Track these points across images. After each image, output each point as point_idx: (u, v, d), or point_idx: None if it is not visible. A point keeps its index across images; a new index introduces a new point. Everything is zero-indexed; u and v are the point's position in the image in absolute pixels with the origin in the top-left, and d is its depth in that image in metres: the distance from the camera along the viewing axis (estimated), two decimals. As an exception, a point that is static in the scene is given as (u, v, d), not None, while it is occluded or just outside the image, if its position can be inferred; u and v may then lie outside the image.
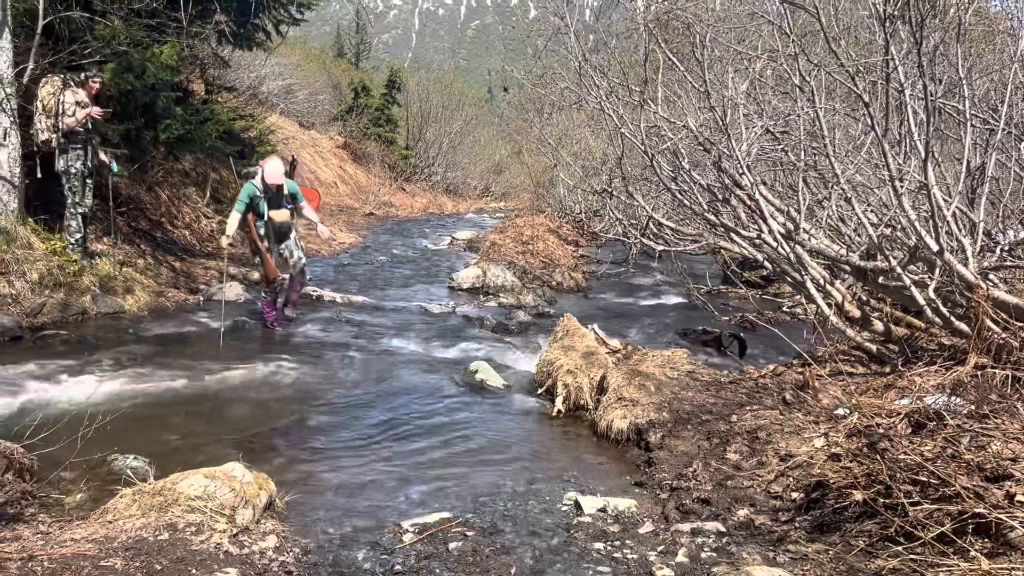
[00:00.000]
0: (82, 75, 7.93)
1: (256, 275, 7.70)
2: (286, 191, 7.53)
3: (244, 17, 11.31)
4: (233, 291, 9.13)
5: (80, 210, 8.04)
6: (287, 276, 7.84)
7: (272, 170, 7.34)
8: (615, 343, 6.54)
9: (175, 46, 9.35)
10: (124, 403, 5.30)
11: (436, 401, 5.98)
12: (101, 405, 5.08)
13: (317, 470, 4.46)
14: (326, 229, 7.90)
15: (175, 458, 4.37)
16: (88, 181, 8.08)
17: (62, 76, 7.82)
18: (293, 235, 7.77)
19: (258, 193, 7.34)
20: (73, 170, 7.89)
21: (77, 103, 7.76)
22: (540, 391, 6.07)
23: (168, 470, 3.70)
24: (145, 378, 5.91)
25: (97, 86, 8.05)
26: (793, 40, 5.46)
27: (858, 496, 3.01)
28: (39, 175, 7.97)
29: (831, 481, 3.35)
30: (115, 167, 8.41)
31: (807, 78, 5.63)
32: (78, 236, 8.06)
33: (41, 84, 7.75)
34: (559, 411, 5.67)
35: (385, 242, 17.01)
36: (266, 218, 7.42)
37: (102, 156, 8.22)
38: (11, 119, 7.70)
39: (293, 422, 5.32)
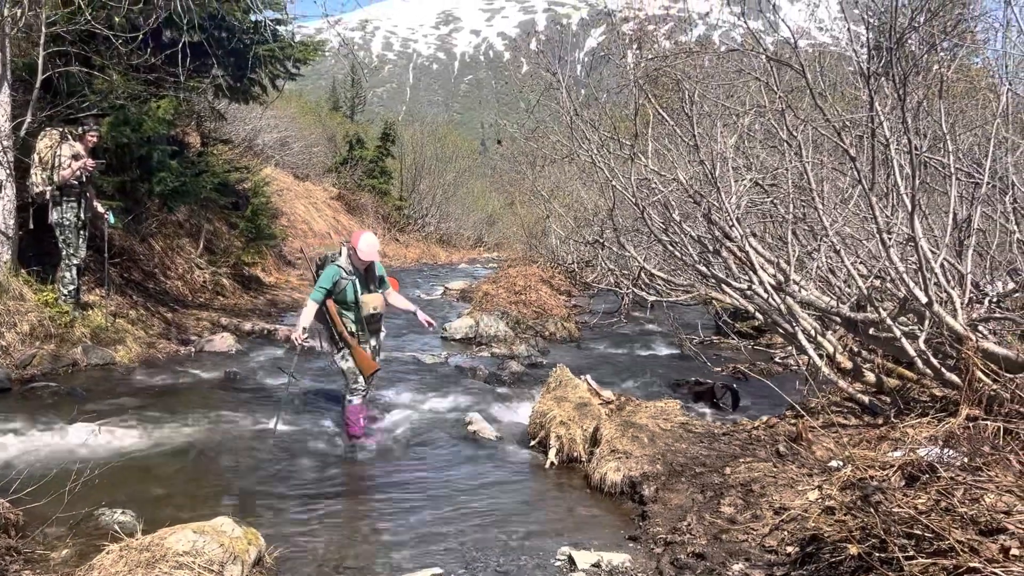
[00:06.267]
0: (80, 128, 8.02)
1: (345, 365, 6.06)
2: (376, 272, 6.18)
3: (241, 72, 11.49)
4: (224, 343, 9.11)
5: (74, 261, 8.05)
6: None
7: (368, 245, 5.89)
8: (608, 394, 6.52)
9: (172, 100, 9.48)
10: (113, 456, 5.25)
11: (428, 453, 5.93)
12: (89, 458, 5.02)
13: (307, 524, 4.41)
14: (427, 316, 6.35)
15: (164, 512, 4.32)
16: (82, 232, 8.10)
17: (60, 129, 7.90)
18: (383, 333, 6.43)
19: (345, 276, 5.93)
20: (67, 222, 7.93)
21: (73, 156, 7.83)
22: (533, 442, 6.04)
23: (156, 524, 3.65)
24: (134, 430, 5.85)
25: (94, 139, 8.14)
26: (780, 96, 5.58)
27: (853, 550, 2.99)
28: (32, 226, 8.00)
29: (826, 535, 3.32)
30: (112, 219, 8.45)
31: (794, 133, 5.74)
32: (72, 288, 8.06)
33: (39, 137, 7.83)
34: (552, 463, 5.63)
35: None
36: (359, 304, 5.98)
37: (98, 208, 8.27)
38: (7, 171, 7.76)
39: (283, 475, 5.27)
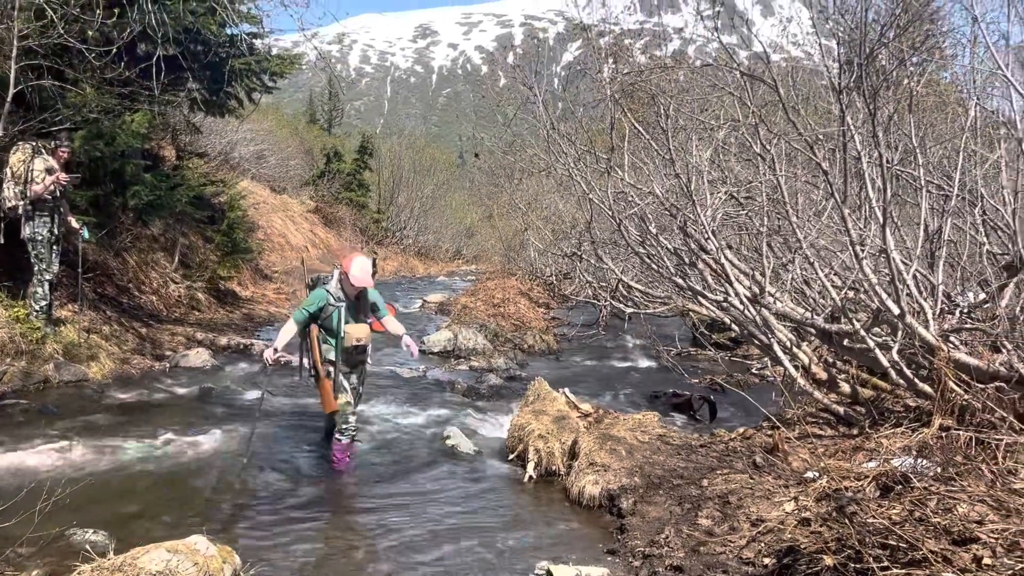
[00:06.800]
0: (52, 143, 7.93)
1: (339, 402, 5.63)
2: (369, 299, 5.77)
3: (217, 85, 11.43)
4: (200, 358, 9.02)
5: (47, 277, 7.93)
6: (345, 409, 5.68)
7: (360, 269, 5.52)
8: (586, 407, 6.53)
9: (147, 114, 9.41)
10: (85, 474, 5.16)
11: (407, 468, 5.90)
12: (61, 477, 4.94)
13: (283, 541, 4.36)
14: (413, 343, 5.99)
15: (137, 531, 4.27)
16: (55, 248, 8.00)
17: (33, 143, 7.81)
18: (367, 364, 6.00)
19: (332, 302, 5.55)
20: (39, 237, 7.82)
21: (46, 170, 7.74)
22: (512, 456, 6.02)
23: (129, 544, 3.60)
24: (107, 448, 5.77)
25: (66, 155, 8.05)
26: (753, 111, 5.64)
27: (829, 561, 3.01)
28: (3, 241, 7.88)
29: (802, 546, 3.34)
30: (86, 234, 8.35)
31: (768, 147, 5.81)
32: (44, 303, 7.94)
33: (12, 151, 7.73)
34: (531, 477, 5.62)
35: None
36: (342, 334, 5.55)
37: (72, 223, 8.17)
38: (-21, 185, 7.65)
39: (259, 492, 5.21)
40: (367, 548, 4.32)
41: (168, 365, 8.85)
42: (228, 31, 11.05)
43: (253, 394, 7.81)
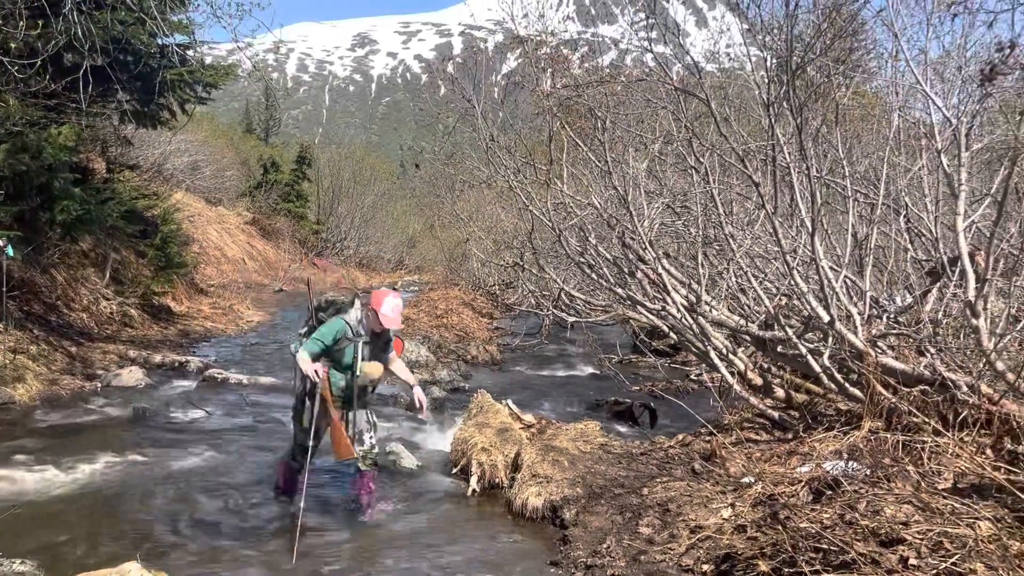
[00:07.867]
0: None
1: (299, 429, 5.19)
2: (388, 338, 5.25)
3: (148, 96, 11.17)
4: (133, 376, 8.78)
5: (-32, 296, 7.66)
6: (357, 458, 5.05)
7: (392, 309, 4.97)
8: (529, 418, 6.55)
9: (74, 127, 9.15)
10: (12, 502, 4.98)
11: (348, 485, 5.83)
12: (-15, 506, 4.77)
13: (221, 567, 4.27)
14: (424, 396, 5.36)
15: (68, 560, 4.14)
16: (-23, 266, 7.72)
17: (-49, 158, 7.54)
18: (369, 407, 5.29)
19: (350, 335, 4.95)
20: (-40, 254, 7.54)
21: (-33, 185, 7.48)
22: (455, 470, 6.01)
23: (60, 573, 3.49)
24: (35, 473, 5.57)
25: (-14, 170, 7.79)
26: (686, 126, 5.75)
27: (764, 567, 3.08)
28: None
29: (739, 552, 3.41)
30: (11, 251, 8.08)
31: (701, 159, 5.93)
32: (-36, 323, 7.66)
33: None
34: (474, 490, 5.61)
35: (294, 320, 16.67)
36: (358, 373, 4.98)
37: (-6, 240, 7.90)
38: None
39: (195, 515, 5.09)
40: (307, 568, 4.25)
41: (100, 385, 8.59)
42: (159, 41, 10.81)
43: (194, 413, 7.65)
